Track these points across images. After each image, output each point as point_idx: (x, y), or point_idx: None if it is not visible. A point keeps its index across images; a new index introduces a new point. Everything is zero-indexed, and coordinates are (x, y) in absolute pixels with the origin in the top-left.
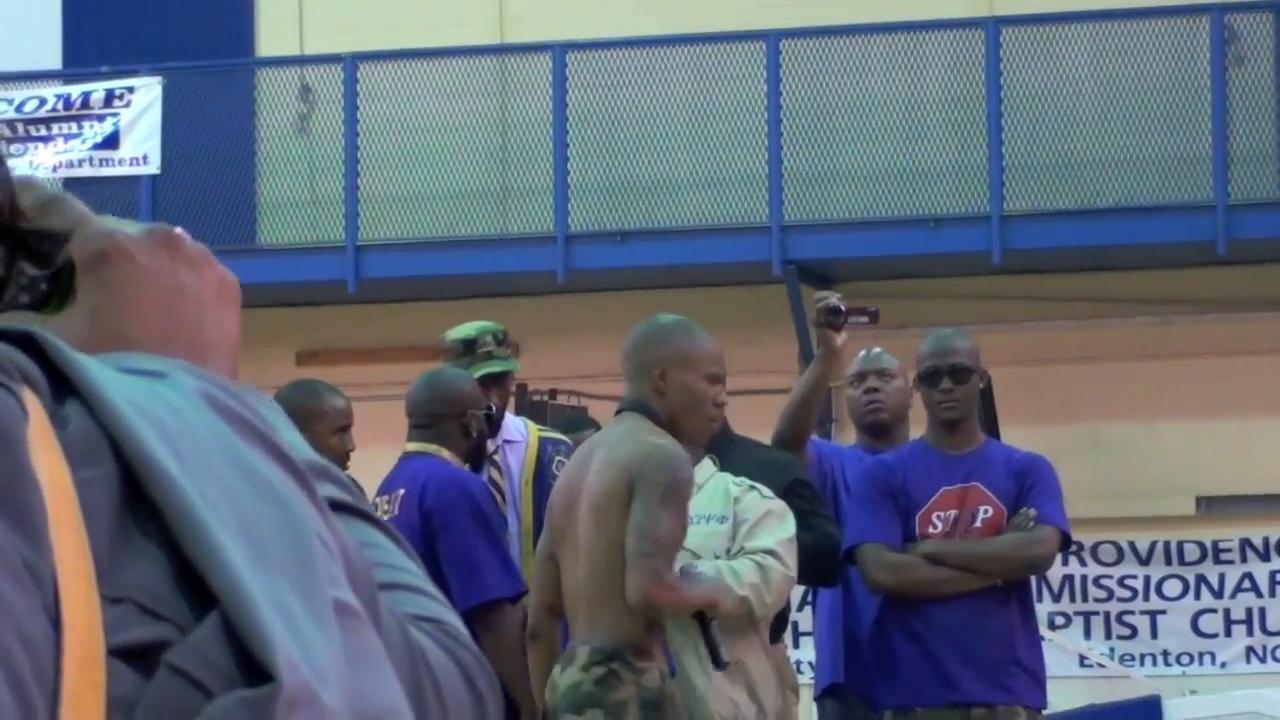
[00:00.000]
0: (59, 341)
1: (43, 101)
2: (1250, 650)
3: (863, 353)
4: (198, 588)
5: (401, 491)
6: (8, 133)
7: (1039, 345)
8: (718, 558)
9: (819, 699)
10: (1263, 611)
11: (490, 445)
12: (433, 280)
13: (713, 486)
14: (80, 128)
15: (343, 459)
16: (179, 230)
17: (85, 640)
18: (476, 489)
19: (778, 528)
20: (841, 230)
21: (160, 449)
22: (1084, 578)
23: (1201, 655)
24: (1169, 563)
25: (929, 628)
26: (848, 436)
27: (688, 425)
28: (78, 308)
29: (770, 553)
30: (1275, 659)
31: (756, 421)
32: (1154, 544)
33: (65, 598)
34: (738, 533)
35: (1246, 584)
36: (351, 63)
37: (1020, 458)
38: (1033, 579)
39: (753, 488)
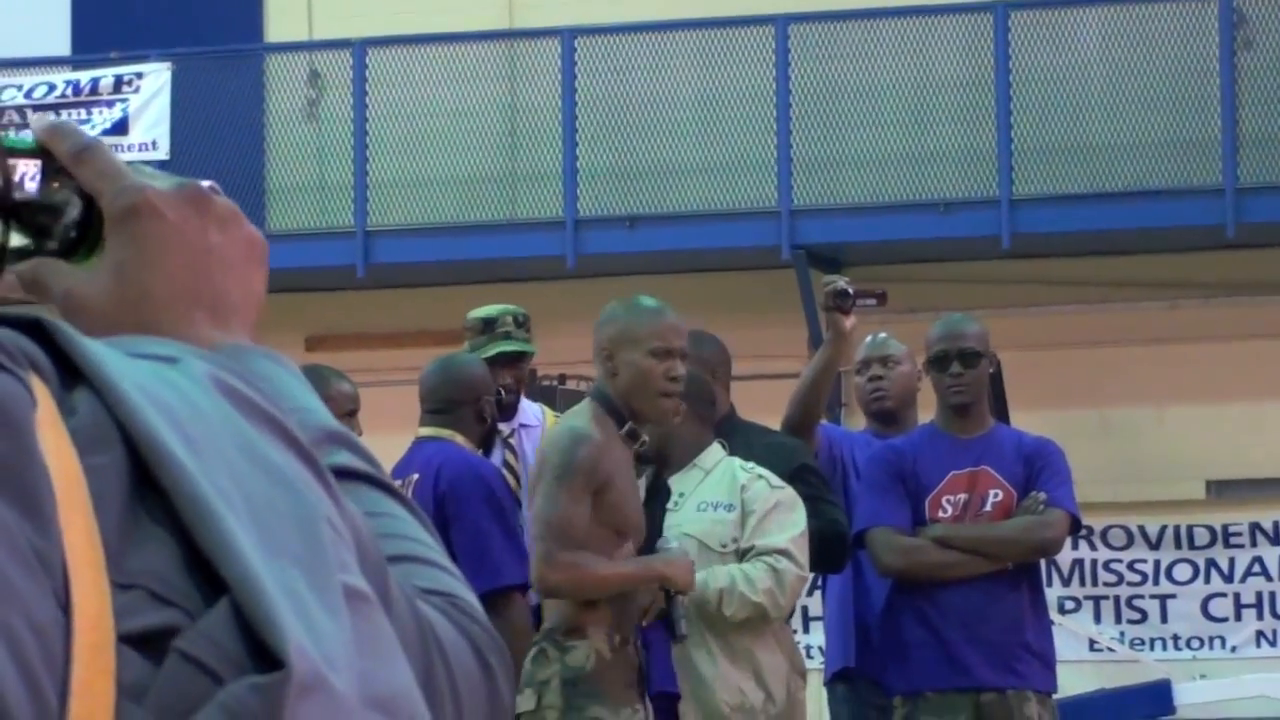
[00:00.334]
0: (67, 327)
1: (52, 87)
2: (1260, 634)
3: (869, 338)
4: (208, 574)
5: (415, 476)
6: (17, 119)
7: (1048, 329)
8: (724, 547)
9: (829, 684)
10: (1273, 595)
11: (505, 428)
12: (442, 266)
13: (720, 472)
14: (89, 114)
15: None
16: (210, 185)
17: (95, 626)
18: (491, 475)
19: (788, 522)
20: (850, 215)
21: (169, 435)
22: (1094, 562)
23: (1211, 639)
24: (1179, 547)
25: (939, 612)
26: (858, 421)
27: (640, 405)
28: (104, 262)
29: (783, 553)
30: None
31: (766, 407)
32: (1164, 528)
33: (75, 584)
34: (746, 524)
35: (1256, 568)
36: (360, 48)
37: (1030, 442)
38: (1042, 563)
39: (760, 475)
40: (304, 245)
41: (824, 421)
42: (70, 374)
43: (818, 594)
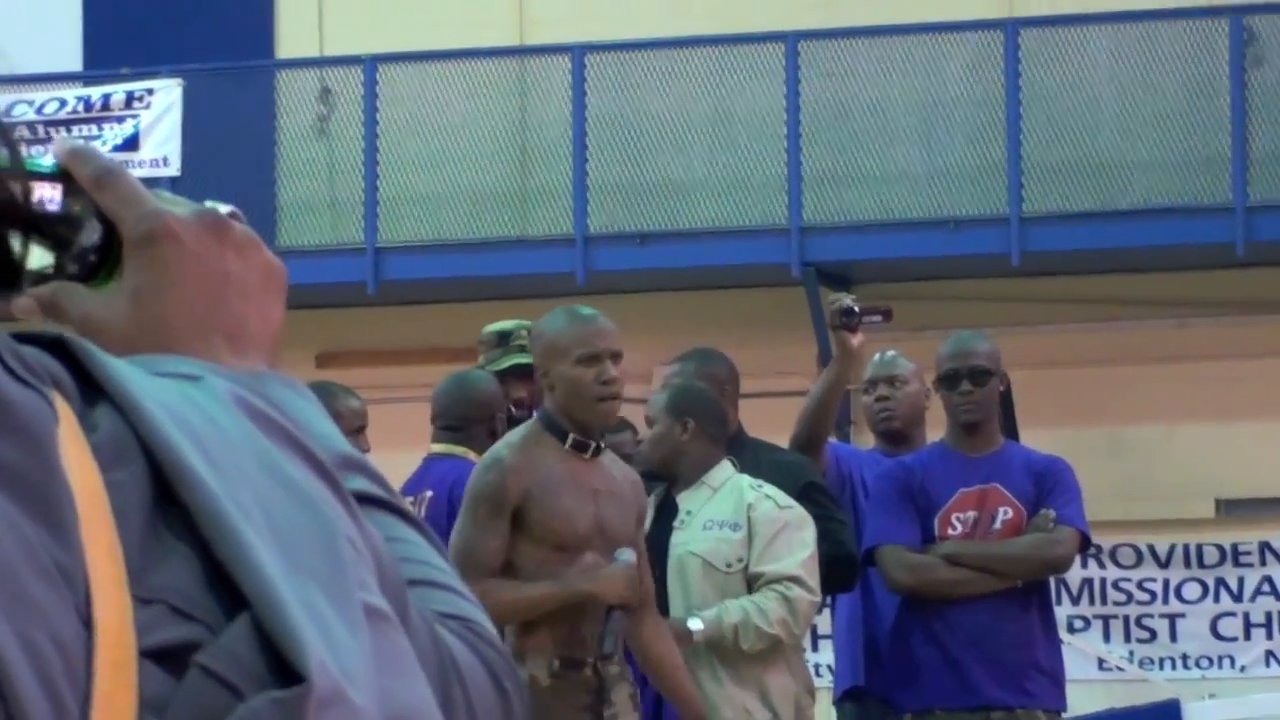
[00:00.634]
0: (89, 345)
1: (63, 103)
2: (1270, 654)
3: (876, 357)
4: (228, 589)
5: (429, 493)
6: (28, 134)
7: (1058, 347)
8: (729, 567)
9: (838, 702)
10: None
11: None
12: (452, 282)
13: (728, 491)
14: (100, 130)
15: None
16: (230, 210)
17: (117, 642)
18: None
19: (797, 542)
20: (861, 232)
21: (191, 451)
22: (1103, 580)
23: (1221, 659)
24: (1188, 566)
25: (948, 630)
26: (866, 439)
27: (579, 415)
28: (122, 288)
29: (794, 579)
30: None
31: (775, 424)
32: (1173, 547)
33: (97, 598)
34: (753, 546)
35: (1266, 587)
36: (371, 64)
37: (1040, 460)
38: (1052, 581)
39: (769, 495)
40: (315, 262)
41: (832, 439)
42: (92, 391)
43: (826, 612)
